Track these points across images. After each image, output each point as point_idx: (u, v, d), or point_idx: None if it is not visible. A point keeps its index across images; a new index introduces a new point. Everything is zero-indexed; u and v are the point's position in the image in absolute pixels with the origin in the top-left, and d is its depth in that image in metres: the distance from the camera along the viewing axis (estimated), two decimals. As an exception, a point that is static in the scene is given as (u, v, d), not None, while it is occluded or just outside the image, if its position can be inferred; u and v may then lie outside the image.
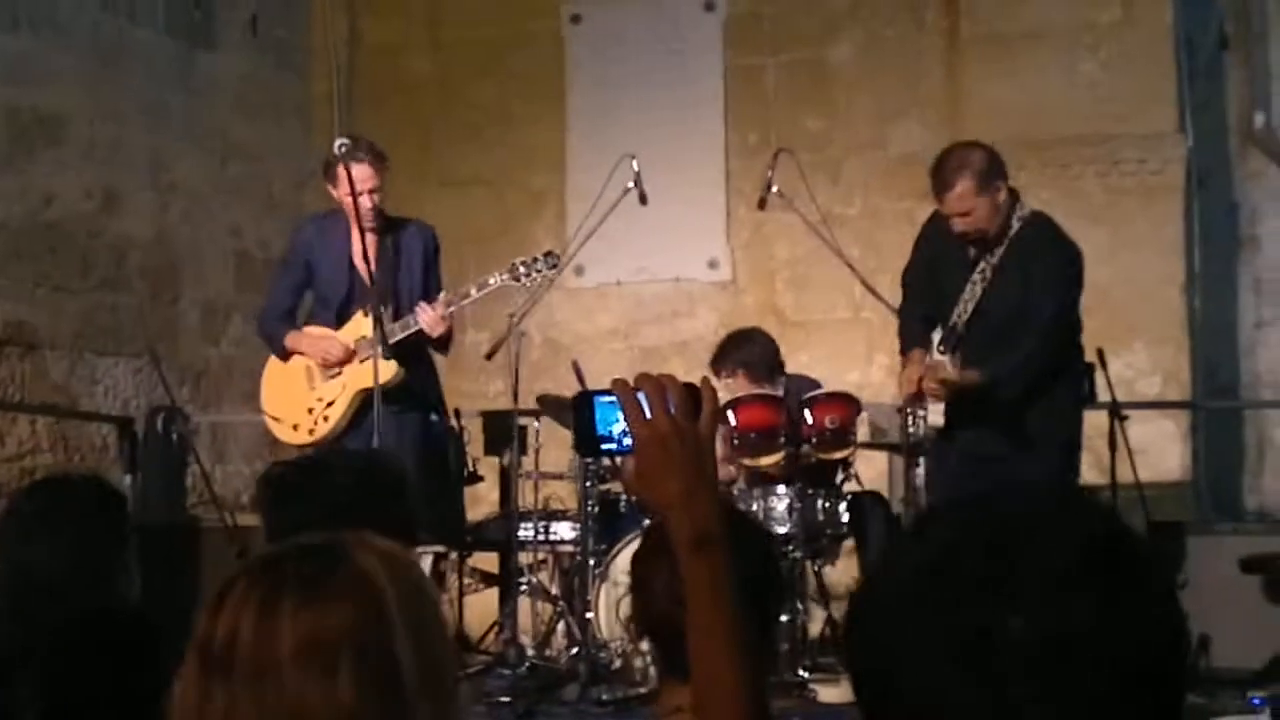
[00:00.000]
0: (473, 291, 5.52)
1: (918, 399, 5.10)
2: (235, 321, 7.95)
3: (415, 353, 5.60)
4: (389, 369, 5.41)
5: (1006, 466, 4.93)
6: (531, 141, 8.51)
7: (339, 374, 5.60)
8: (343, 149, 5.36)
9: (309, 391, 5.66)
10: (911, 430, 5.19)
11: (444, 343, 5.67)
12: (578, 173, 8.27)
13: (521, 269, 5.50)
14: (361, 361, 5.52)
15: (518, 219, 8.51)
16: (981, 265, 5.05)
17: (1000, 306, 4.98)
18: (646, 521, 5.59)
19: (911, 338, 5.27)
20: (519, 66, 8.59)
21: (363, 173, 5.46)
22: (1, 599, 2.84)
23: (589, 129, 8.41)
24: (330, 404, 5.61)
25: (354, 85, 8.73)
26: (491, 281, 5.52)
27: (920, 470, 5.30)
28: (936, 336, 5.10)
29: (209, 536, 6.10)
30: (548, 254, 5.58)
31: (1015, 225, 5.05)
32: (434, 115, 8.58)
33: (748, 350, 6.16)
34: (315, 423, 5.62)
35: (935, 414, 5.03)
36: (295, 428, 5.67)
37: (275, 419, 5.75)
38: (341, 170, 5.40)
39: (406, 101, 8.58)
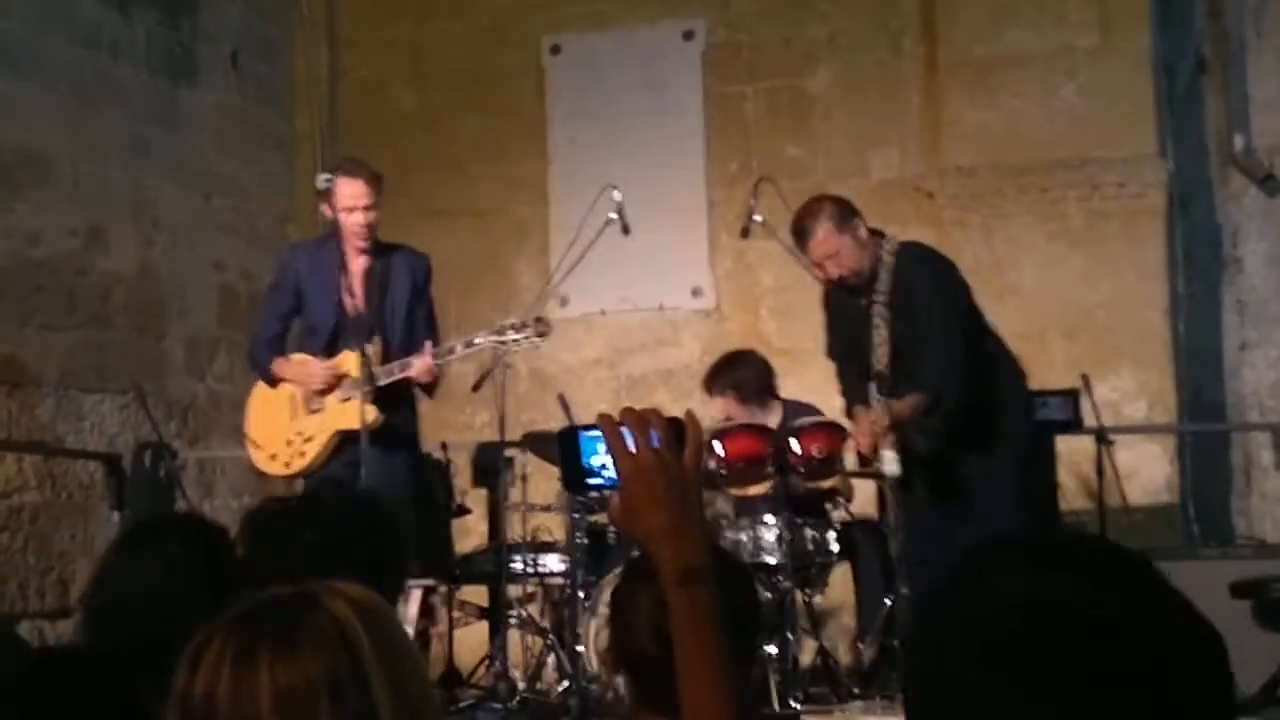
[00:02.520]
0: (458, 348, 5.52)
1: (875, 451, 5.16)
2: (221, 356, 7.94)
3: (401, 392, 5.58)
4: (369, 411, 5.41)
5: (978, 505, 4.98)
6: (514, 173, 8.53)
7: (320, 409, 5.58)
8: (326, 183, 5.38)
9: (289, 423, 5.63)
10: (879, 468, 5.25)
11: (432, 388, 5.67)
12: (561, 204, 8.29)
13: (511, 333, 5.48)
14: (343, 401, 5.50)
15: (502, 250, 8.52)
16: (876, 307, 5.13)
17: (908, 336, 5.07)
18: (635, 553, 5.58)
19: (850, 399, 5.40)
20: (501, 99, 8.62)
21: (356, 189, 5.48)
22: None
23: (571, 160, 8.43)
24: (308, 439, 5.58)
25: (337, 119, 8.76)
26: (478, 341, 5.51)
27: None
28: (873, 387, 5.16)
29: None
30: (538, 320, 5.56)
31: (887, 259, 5.15)
32: (417, 148, 8.60)
33: (739, 372, 6.20)
34: (292, 456, 5.60)
35: (890, 462, 5.06)
36: (273, 457, 5.65)
37: (255, 445, 5.72)
38: (339, 187, 5.44)
39: (389, 135, 8.60)
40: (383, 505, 3.01)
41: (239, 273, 8.19)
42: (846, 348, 5.39)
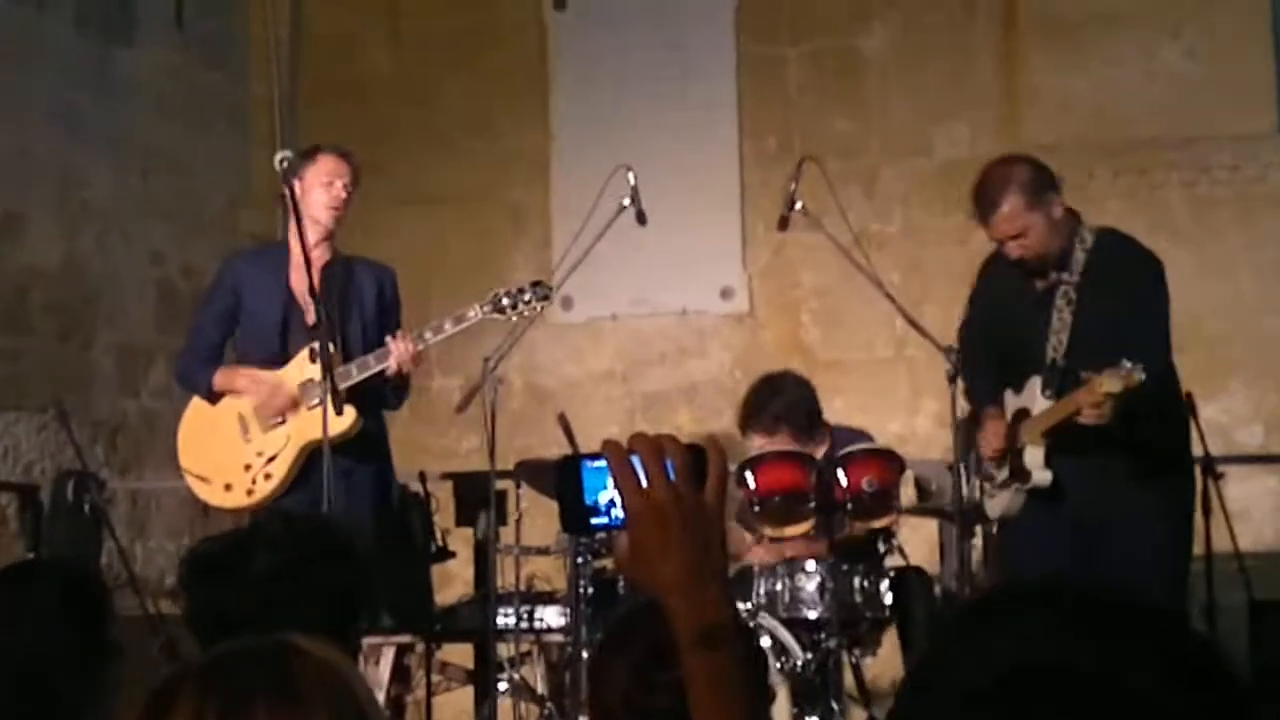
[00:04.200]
0: (447, 326, 5.51)
1: (1001, 460, 5.16)
2: (159, 368, 7.95)
3: (369, 401, 5.58)
4: (345, 418, 5.39)
5: (1116, 541, 4.97)
6: (509, 150, 8.54)
7: (281, 422, 5.58)
8: (285, 164, 5.38)
9: (244, 445, 5.62)
10: (990, 493, 5.24)
11: (402, 390, 5.67)
12: (564, 187, 8.29)
13: (505, 300, 5.50)
14: (310, 408, 5.50)
15: (493, 243, 8.53)
16: (1062, 289, 5.11)
17: (1098, 328, 5.03)
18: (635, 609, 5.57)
19: (982, 398, 5.36)
20: (494, 61, 8.63)
21: (340, 166, 5.58)
22: None
23: (577, 135, 8.43)
24: (273, 459, 5.57)
25: (299, 85, 8.78)
26: (470, 315, 5.51)
27: (976, 542, 5.31)
28: (1036, 383, 5.14)
29: (127, 628, 6.06)
30: (536, 284, 5.58)
31: (1087, 239, 5.12)
32: (393, 120, 8.61)
33: (783, 400, 6.14)
34: (254, 481, 5.58)
35: (1039, 470, 5.06)
36: (228, 488, 5.63)
37: (201, 479, 5.69)
38: (320, 162, 5.52)
39: (361, 104, 8.61)
40: (343, 529, 3.03)
41: (181, 267, 8.21)
42: (992, 338, 5.38)
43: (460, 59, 8.66)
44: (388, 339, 5.47)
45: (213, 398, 5.70)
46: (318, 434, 5.35)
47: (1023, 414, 5.17)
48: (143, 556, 7.56)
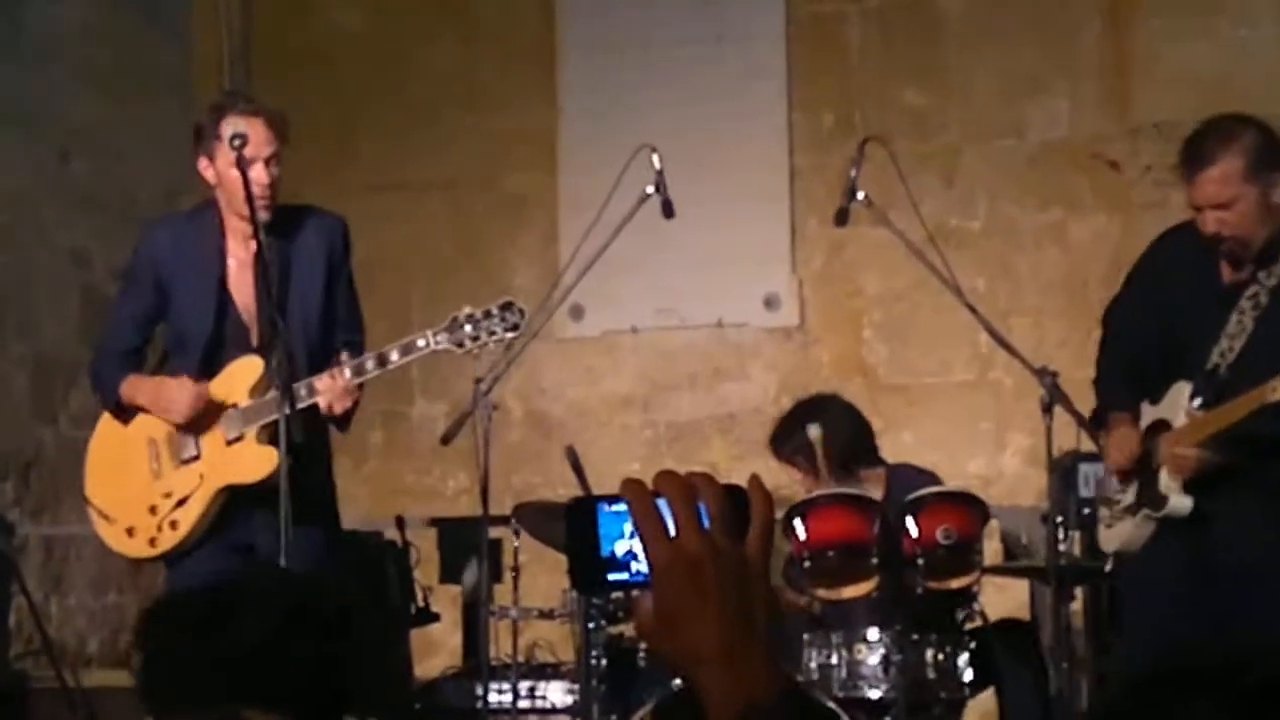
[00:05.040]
0: (393, 356, 5.46)
1: (1129, 480, 5.16)
2: (82, 389, 7.94)
3: (310, 430, 5.53)
4: (264, 459, 5.35)
5: (1267, 593, 4.96)
6: (508, 127, 8.56)
7: (195, 458, 5.57)
8: (238, 142, 5.37)
9: (152, 481, 5.60)
10: (1108, 519, 5.23)
11: (345, 419, 5.62)
12: (575, 171, 8.31)
13: (466, 328, 5.43)
14: (229, 443, 5.49)
15: (489, 238, 8.55)
16: (1252, 289, 5.12)
17: None
18: (679, 684, 5.58)
19: (1115, 396, 5.36)
20: (489, 19, 8.66)
21: (257, 133, 5.47)
22: None
23: (590, 109, 8.45)
24: (181, 502, 5.54)
25: (251, 48, 8.81)
26: (420, 344, 5.44)
27: (1076, 605, 5.30)
28: (1186, 389, 5.14)
29: (40, 702, 6.09)
30: (506, 306, 5.51)
31: None
32: (368, 91, 8.64)
33: (825, 418, 6.19)
34: (159, 528, 5.55)
35: (1176, 495, 5.06)
36: (130, 533, 5.60)
37: (104, 517, 5.68)
38: (224, 129, 5.42)
39: (328, 72, 8.64)
40: (330, 599, 3.02)
41: (108, 267, 8.21)
42: (1149, 326, 5.35)
43: (446, 17, 8.69)
44: (313, 381, 5.38)
45: (123, 414, 5.68)
46: (237, 477, 5.36)
47: (1161, 426, 5.16)
48: (59, 616, 7.56)
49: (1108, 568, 5.41)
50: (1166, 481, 5.09)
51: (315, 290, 5.56)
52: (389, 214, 8.33)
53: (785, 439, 6.26)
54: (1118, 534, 5.24)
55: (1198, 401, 5.08)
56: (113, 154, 8.38)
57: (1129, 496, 5.21)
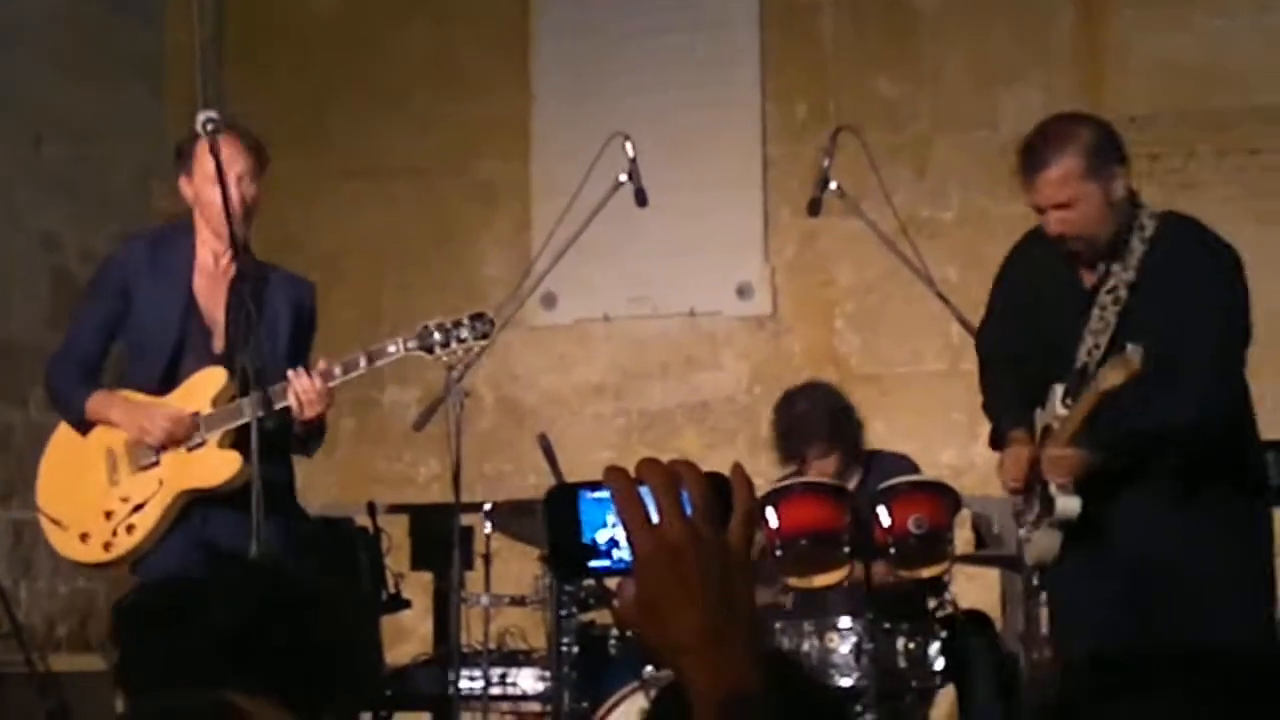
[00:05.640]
0: (361, 362, 5.47)
1: (1029, 493, 5.16)
2: (50, 373, 7.96)
3: (274, 442, 5.52)
4: (226, 463, 5.36)
5: (1186, 585, 4.97)
6: (481, 114, 8.54)
7: (155, 464, 5.56)
8: (210, 125, 5.37)
9: (109, 488, 5.59)
10: (1024, 536, 5.24)
11: (311, 436, 5.61)
12: (548, 158, 8.30)
13: (436, 336, 5.44)
14: (190, 450, 5.48)
15: (461, 225, 8.53)
16: (1111, 284, 5.12)
17: (1146, 335, 5.03)
18: (650, 670, 5.58)
19: (1005, 414, 5.34)
20: (463, 6, 8.63)
21: (235, 156, 5.48)
22: None
23: (564, 96, 8.44)
24: (139, 507, 5.53)
25: (225, 33, 8.78)
26: (390, 350, 5.45)
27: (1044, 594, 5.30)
28: (1058, 393, 5.15)
29: (8, 687, 6.08)
30: (476, 317, 5.52)
31: (1148, 227, 5.13)
32: (339, 76, 8.62)
33: (821, 419, 6.18)
34: (114, 533, 5.54)
35: (1063, 499, 5.07)
36: (84, 538, 5.58)
37: (56, 523, 5.66)
38: (202, 148, 5.42)
39: (300, 55, 8.61)
40: (300, 588, 3.02)
41: (80, 251, 8.21)
42: (1027, 333, 5.36)
43: (420, 1, 8.67)
44: (289, 373, 5.39)
45: (84, 427, 5.67)
46: (197, 481, 5.36)
47: (1048, 431, 5.18)
48: (27, 601, 7.54)
49: (1035, 581, 5.42)
50: (1053, 486, 5.10)
51: (280, 338, 5.57)
52: (360, 200, 8.32)
53: (806, 440, 6.19)
54: (1034, 547, 5.24)
55: (1068, 400, 5.09)
56: (85, 138, 8.35)
57: (1034, 510, 5.21)
